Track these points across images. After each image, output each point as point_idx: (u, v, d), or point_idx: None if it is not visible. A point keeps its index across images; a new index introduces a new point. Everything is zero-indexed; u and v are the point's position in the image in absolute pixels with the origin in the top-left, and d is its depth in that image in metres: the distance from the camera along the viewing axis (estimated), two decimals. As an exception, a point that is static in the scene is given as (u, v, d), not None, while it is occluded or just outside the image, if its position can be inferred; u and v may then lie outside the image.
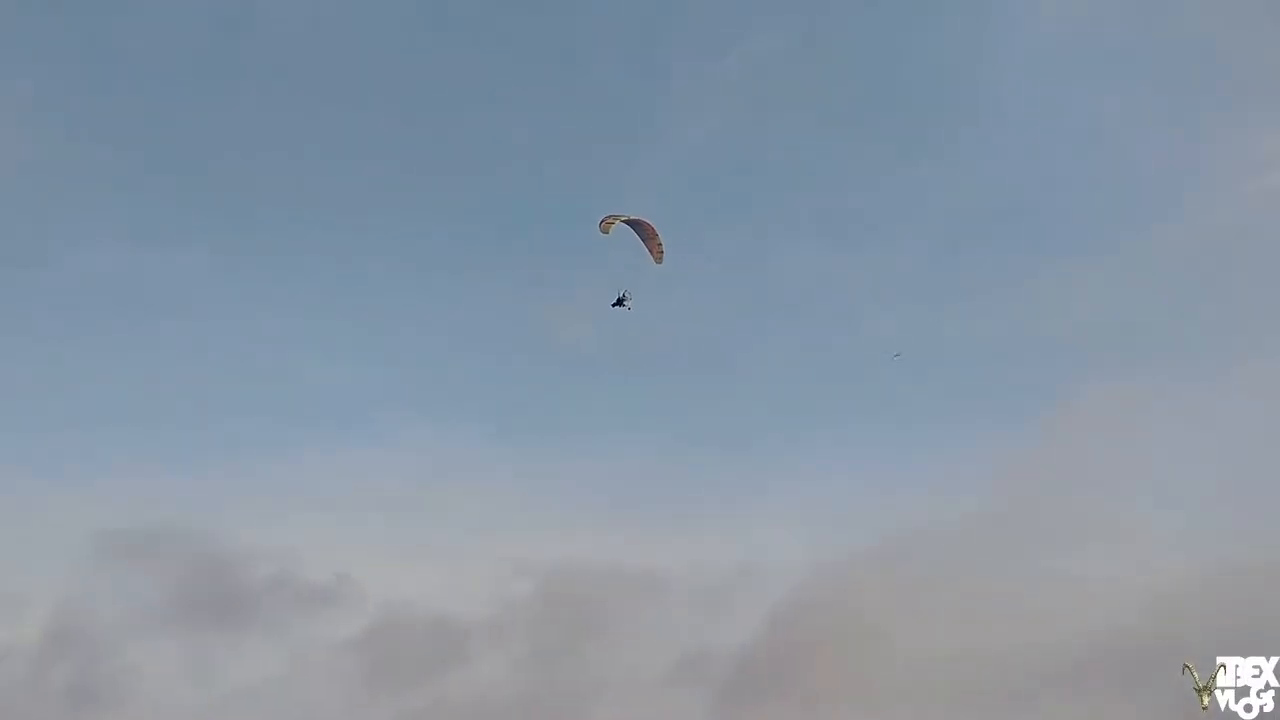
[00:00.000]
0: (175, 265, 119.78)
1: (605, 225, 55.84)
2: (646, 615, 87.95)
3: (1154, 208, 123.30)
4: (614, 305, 59.78)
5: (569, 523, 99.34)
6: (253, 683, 79.98)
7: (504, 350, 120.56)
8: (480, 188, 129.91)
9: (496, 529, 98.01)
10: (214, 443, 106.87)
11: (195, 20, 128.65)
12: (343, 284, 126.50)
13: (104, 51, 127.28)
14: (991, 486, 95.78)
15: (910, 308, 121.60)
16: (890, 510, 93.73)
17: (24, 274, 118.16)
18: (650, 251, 55.63)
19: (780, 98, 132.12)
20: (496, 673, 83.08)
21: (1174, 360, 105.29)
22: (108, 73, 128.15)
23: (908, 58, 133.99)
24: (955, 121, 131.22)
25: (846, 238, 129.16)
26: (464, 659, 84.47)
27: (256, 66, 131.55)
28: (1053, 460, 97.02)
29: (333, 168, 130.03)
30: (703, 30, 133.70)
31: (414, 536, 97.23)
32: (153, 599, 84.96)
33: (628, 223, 54.70)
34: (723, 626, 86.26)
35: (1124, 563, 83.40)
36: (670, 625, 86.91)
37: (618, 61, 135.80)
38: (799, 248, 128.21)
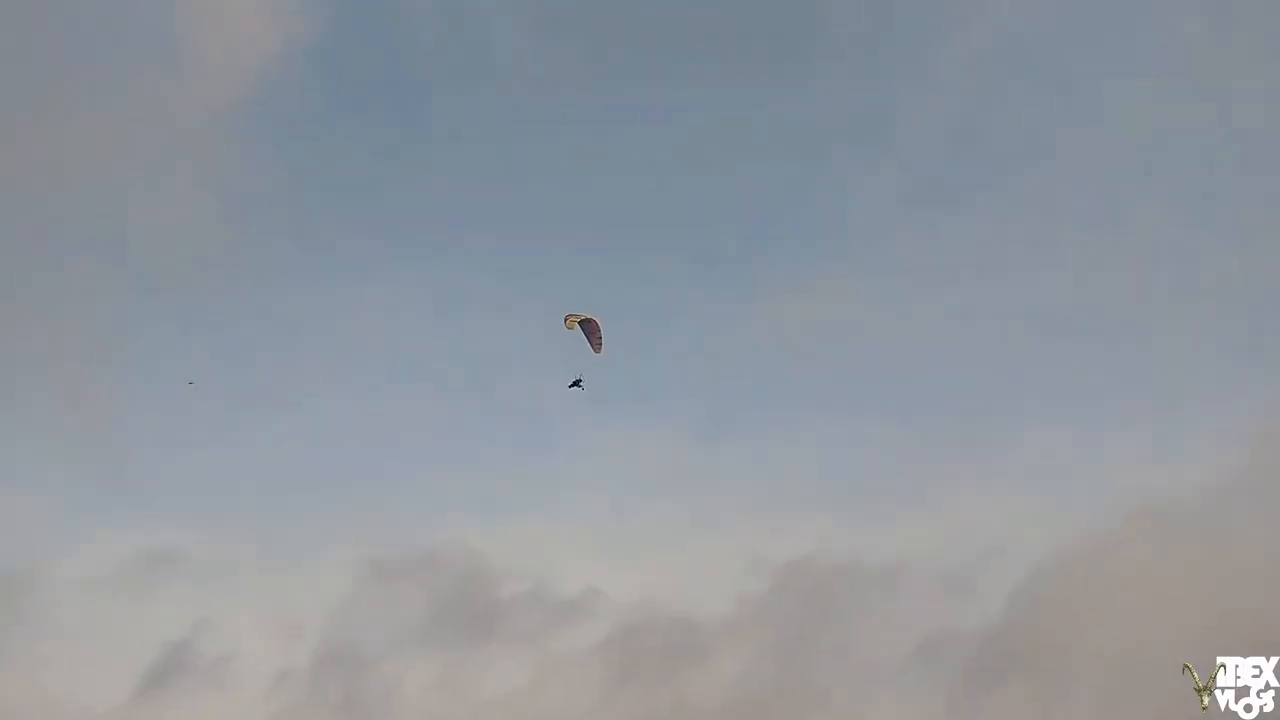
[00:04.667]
0: (392, 297, 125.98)
1: (569, 323, 64.70)
2: (885, 601, 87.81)
3: None
4: (570, 387, 67.06)
5: (803, 513, 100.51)
6: (504, 692, 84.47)
7: (724, 346, 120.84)
8: (690, 188, 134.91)
9: (731, 525, 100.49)
10: (454, 468, 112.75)
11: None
12: (554, 295, 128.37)
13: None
14: (1248, 450, 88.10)
15: (1149, 265, 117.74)
16: (1137, 482, 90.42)
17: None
18: (591, 344, 63.65)
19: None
20: (738, 668, 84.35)
21: None
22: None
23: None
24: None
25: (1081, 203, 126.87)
26: (705, 658, 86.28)
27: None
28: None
29: (534, 185, 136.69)
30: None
31: (648, 538, 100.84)
32: (412, 620, 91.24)
33: (581, 322, 63.19)
34: (964, 609, 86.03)
35: None
36: (909, 611, 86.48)
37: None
38: (1024, 216, 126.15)
